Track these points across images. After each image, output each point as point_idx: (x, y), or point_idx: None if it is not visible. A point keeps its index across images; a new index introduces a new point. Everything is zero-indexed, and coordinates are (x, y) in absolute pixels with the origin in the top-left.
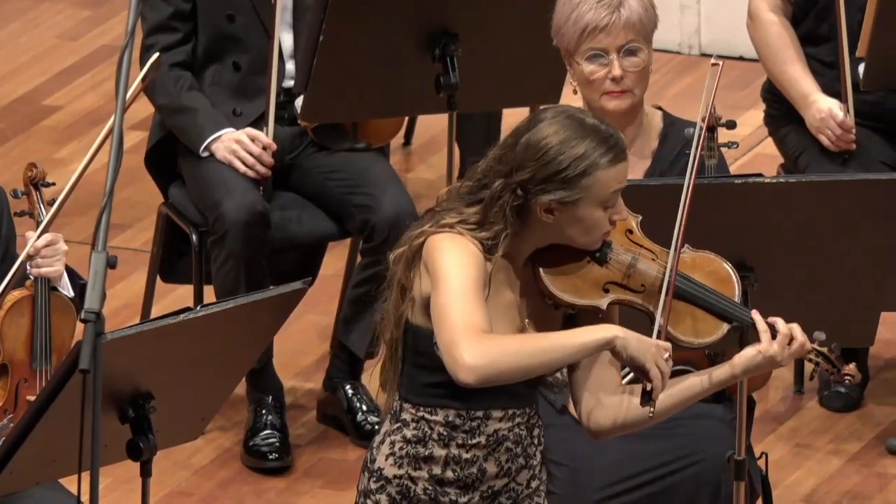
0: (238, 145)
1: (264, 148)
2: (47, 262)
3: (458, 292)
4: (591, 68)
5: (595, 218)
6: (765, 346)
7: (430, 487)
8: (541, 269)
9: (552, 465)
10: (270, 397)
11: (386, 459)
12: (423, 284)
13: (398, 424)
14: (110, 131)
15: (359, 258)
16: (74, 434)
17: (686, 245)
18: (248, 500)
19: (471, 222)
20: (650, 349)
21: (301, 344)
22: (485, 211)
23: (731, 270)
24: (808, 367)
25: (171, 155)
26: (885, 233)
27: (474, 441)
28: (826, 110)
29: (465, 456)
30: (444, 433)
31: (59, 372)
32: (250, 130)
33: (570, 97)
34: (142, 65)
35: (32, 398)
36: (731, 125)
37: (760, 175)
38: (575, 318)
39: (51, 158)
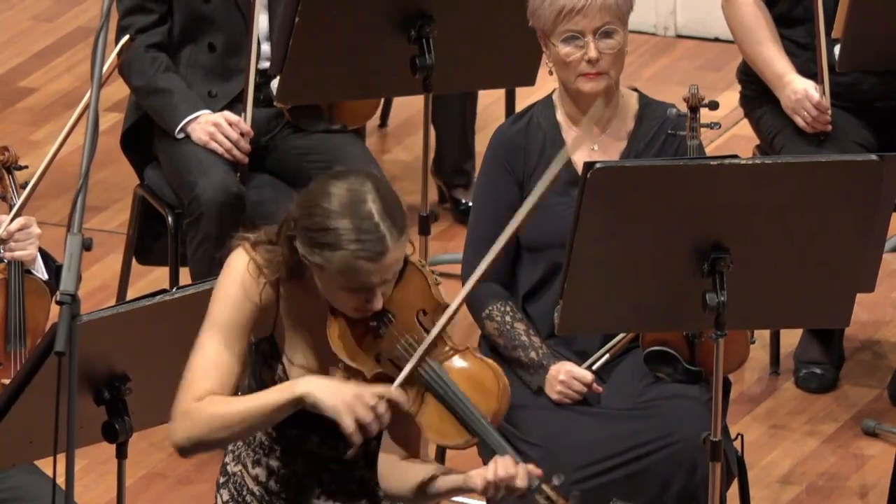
0: (216, 128)
1: (242, 134)
2: (20, 246)
3: (208, 342)
4: (566, 50)
5: (334, 292)
6: (481, 482)
7: (260, 494)
8: (329, 318)
9: (527, 445)
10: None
11: (229, 454)
12: None
13: None
14: (83, 112)
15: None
16: (50, 416)
17: (474, 349)
18: None
19: (267, 241)
20: (344, 403)
21: None
22: (278, 231)
23: (500, 387)
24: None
25: (147, 137)
26: (860, 214)
27: (291, 456)
28: (801, 91)
29: (283, 471)
30: (266, 442)
31: (34, 354)
32: (229, 115)
33: (546, 78)
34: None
35: (7, 381)
36: (713, 106)
37: (736, 156)
38: None
39: (26, 140)
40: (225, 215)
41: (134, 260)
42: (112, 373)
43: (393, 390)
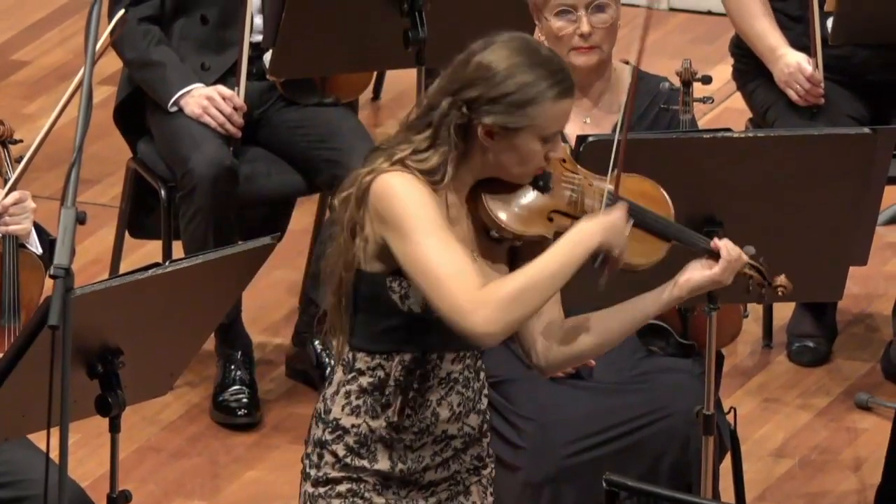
0: (209, 102)
1: (235, 108)
2: (15, 220)
3: (435, 246)
4: (559, 24)
5: (531, 149)
6: (714, 270)
7: (387, 434)
8: (487, 201)
9: (520, 419)
10: (239, 353)
11: (342, 409)
12: (375, 229)
13: (353, 374)
14: (78, 86)
15: (327, 213)
16: (43, 390)
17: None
18: (217, 455)
19: (422, 149)
20: (624, 233)
21: (270, 299)
22: (434, 132)
23: (661, 190)
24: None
25: (140, 110)
26: (852, 187)
27: (428, 384)
28: (794, 64)
29: (420, 400)
30: (401, 378)
31: (28, 328)
32: (222, 89)
33: None
34: (110, 19)
35: (1, 355)
36: (706, 80)
37: (729, 130)
38: (518, 249)
39: (19, 114)
40: (218, 189)
41: (127, 233)
42: (105, 346)
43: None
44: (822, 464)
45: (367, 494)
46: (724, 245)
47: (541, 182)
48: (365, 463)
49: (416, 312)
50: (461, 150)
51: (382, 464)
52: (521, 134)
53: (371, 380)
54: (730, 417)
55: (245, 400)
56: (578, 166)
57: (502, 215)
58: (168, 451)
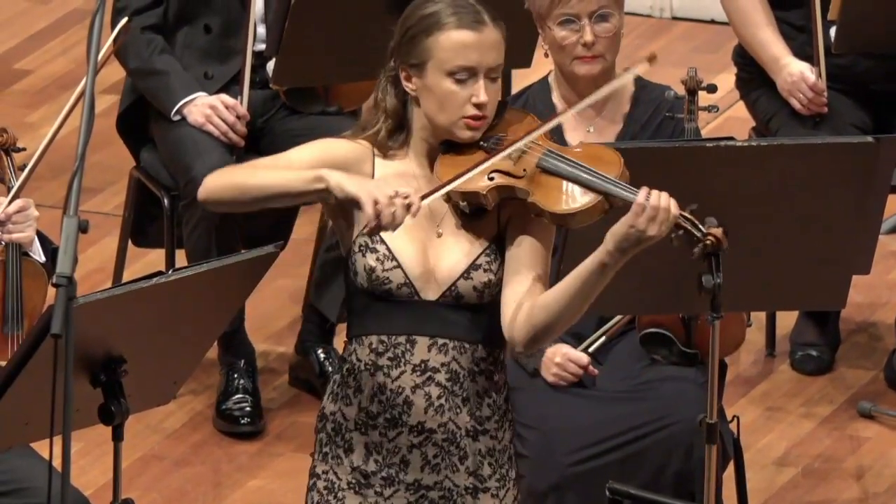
0: (212, 111)
1: (239, 117)
2: (18, 229)
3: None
4: (562, 34)
5: (445, 89)
6: (631, 218)
7: (361, 422)
8: (438, 158)
9: (523, 427)
10: (242, 361)
11: (327, 397)
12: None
13: (339, 362)
14: (81, 95)
15: (329, 224)
16: (46, 398)
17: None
18: (220, 463)
19: (371, 105)
20: (366, 188)
21: (273, 308)
22: (377, 88)
23: (617, 155)
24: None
25: (143, 119)
26: (855, 196)
27: (399, 370)
28: (797, 73)
29: (391, 386)
30: (370, 362)
31: (30, 336)
32: (225, 98)
33: (542, 60)
34: (113, 28)
35: (4, 363)
36: (711, 89)
37: (732, 138)
38: (505, 229)
39: (21, 122)
40: None
41: (130, 242)
42: (108, 355)
43: (416, 197)
44: (825, 473)
45: (340, 494)
46: (645, 191)
47: (483, 143)
48: (340, 452)
49: (365, 287)
50: (401, 102)
51: (358, 454)
52: (427, 72)
53: (348, 366)
54: (733, 426)
55: (248, 408)
56: (549, 141)
57: (446, 174)
58: (171, 460)
